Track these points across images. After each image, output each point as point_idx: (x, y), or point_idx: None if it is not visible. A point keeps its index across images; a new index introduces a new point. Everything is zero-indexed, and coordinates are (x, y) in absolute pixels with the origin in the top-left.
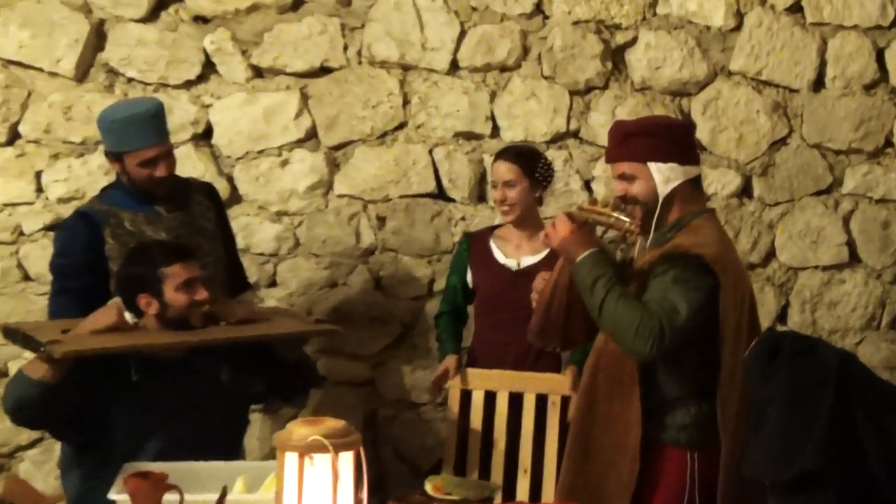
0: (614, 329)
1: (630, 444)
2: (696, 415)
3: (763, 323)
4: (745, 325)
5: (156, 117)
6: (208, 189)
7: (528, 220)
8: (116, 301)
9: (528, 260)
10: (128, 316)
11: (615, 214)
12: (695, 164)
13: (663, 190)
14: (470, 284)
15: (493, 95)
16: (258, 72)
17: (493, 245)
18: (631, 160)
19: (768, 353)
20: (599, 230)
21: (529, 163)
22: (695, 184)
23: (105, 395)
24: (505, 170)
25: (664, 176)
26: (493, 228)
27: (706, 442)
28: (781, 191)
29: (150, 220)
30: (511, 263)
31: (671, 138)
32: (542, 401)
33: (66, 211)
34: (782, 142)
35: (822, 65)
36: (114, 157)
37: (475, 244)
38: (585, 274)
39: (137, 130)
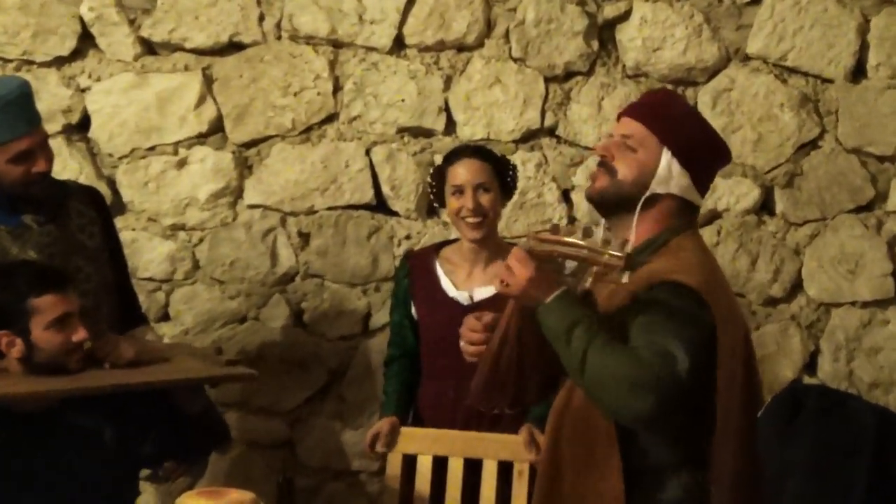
0: (602, 386)
1: None
2: (686, 484)
3: (787, 373)
4: (739, 372)
5: (25, 98)
6: (91, 195)
7: (489, 240)
8: None
9: (482, 292)
10: None
11: (588, 245)
12: (699, 191)
13: (655, 186)
14: (415, 317)
15: (447, 81)
16: (149, 47)
17: (439, 271)
18: (652, 130)
19: (788, 410)
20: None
21: (502, 166)
22: (686, 209)
23: None
24: (479, 170)
25: (667, 174)
26: (437, 247)
27: None
28: (810, 206)
29: (15, 235)
30: (461, 297)
31: (702, 147)
32: (505, 469)
33: None
34: (812, 145)
35: (863, 48)
36: None
37: (416, 269)
38: (557, 321)
39: (5, 118)
